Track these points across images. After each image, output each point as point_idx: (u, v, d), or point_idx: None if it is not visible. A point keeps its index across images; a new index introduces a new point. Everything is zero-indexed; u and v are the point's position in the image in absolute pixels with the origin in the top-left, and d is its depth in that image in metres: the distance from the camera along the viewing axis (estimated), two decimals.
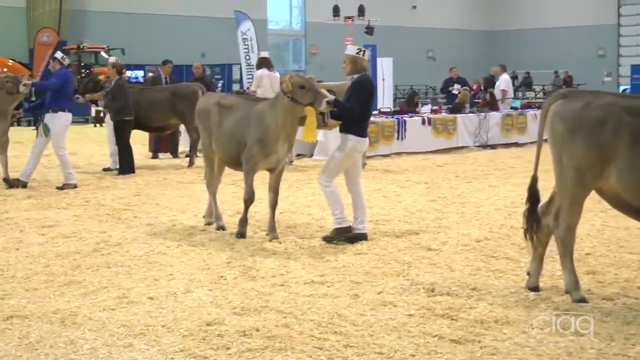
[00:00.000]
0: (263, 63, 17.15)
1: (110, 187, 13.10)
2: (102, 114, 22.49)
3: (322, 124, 8.83)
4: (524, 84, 41.95)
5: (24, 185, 12.88)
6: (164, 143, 18.02)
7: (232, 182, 12.66)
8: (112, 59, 15.86)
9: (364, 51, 8.87)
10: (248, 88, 22.67)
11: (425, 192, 12.68)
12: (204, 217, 9.93)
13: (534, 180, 6.80)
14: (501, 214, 10.55)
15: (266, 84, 16.49)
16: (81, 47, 33.05)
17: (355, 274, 7.43)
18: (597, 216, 9.87)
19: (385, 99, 23.48)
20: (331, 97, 8.48)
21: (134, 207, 11.16)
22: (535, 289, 6.78)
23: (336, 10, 36.48)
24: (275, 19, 43.75)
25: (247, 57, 30.41)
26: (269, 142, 8.81)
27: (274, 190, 9.10)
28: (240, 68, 31.92)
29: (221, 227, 9.48)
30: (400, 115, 19.24)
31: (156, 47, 33.79)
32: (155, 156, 17.71)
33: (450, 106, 21.86)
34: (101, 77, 16.74)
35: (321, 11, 39.23)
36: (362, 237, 8.77)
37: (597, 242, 8.68)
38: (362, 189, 9.14)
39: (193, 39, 36.99)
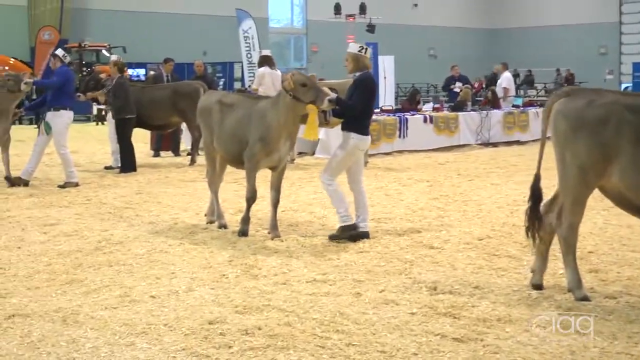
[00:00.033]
0: (265, 61, 17.14)
1: (111, 186, 13.09)
2: (103, 112, 22.50)
3: (324, 122, 8.82)
4: (526, 82, 41.96)
5: (25, 183, 12.88)
6: (165, 141, 18.02)
7: (233, 180, 12.66)
8: (113, 57, 15.90)
9: (366, 49, 8.85)
10: (249, 86, 22.65)
11: (427, 190, 12.67)
12: (205, 215, 9.93)
13: (537, 179, 6.78)
14: (503, 212, 10.54)
15: (268, 82, 16.49)
16: (82, 45, 33.08)
17: (357, 272, 7.42)
18: (599, 214, 9.86)
19: (386, 97, 23.47)
20: (333, 95, 8.47)
21: (136, 205, 11.16)
22: (538, 286, 6.77)
23: (337, 8, 36.44)
24: (276, 17, 43.77)
25: (249, 55, 30.40)
26: (271, 141, 8.79)
27: (276, 189, 9.08)
28: (242, 66, 31.91)
29: (223, 226, 9.46)
30: (402, 113, 19.23)
31: (158, 45, 33.79)
32: (156, 154, 17.71)
33: (452, 104, 21.86)
34: (102, 76, 16.74)
35: (322, 9, 39.22)
36: (364, 235, 8.76)
37: (599, 240, 8.66)
38: (364, 187, 9.12)
39: (194, 37, 37.02)
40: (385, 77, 23.54)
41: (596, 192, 6.58)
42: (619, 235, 8.94)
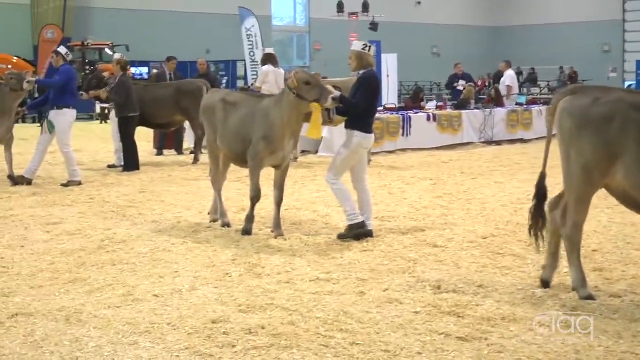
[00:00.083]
0: (268, 59, 17.14)
1: (115, 184, 13.09)
2: (106, 111, 22.49)
3: (328, 120, 8.80)
4: (529, 80, 41.93)
5: (28, 182, 12.87)
6: (168, 140, 18.01)
7: (237, 179, 12.65)
8: (117, 56, 15.86)
9: (370, 47, 8.83)
10: (252, 84, 22.64)
11: (430, 188, 12.65)
12: (209, 214, 9.92)
13: (542, 177, 6.77)
14: (507, 210, 10.52)
15: (272, 80, 16.49)
16: (85, 44, 33.07)
17: (361, 271, 7.40)
18: (603, 213, 9.83)
19: (390, 95, 23.44)
20: (337, 93, 8.45)
21: (139, 204, 11.15)
22: (546, 283, 6.73)
23: (340, 7, 36.46)
24: (279, 16, 43.76)
25: (252, 54, 30.40)
26: (274, 139, 8.78)
27: (279, 187, 9.07)
28: (245, 64, 31.91)
29: (226, 224, 9.45)
30: (406, 112, 19.21)
31: (160, 43, 33.77)
32: (160, 153, 17.70)
33: (456, 102, 21.82)
34: (105, 74, 16.72)
35: (325, 7, 39.22)
36: (368, 234, 8.74)
37: (604, 239, 8.63)
38: (367, 185, 9.11)
39: (197, 35, 37.01)
40: (388, 76, 23.53)
41: (601, 190, 6.56)
42: (624, 233, 8.92)
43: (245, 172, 10.02)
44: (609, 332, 5.65)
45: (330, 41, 40.41)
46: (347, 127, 8.78)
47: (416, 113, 19.26)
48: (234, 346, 5.40)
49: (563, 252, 7.08)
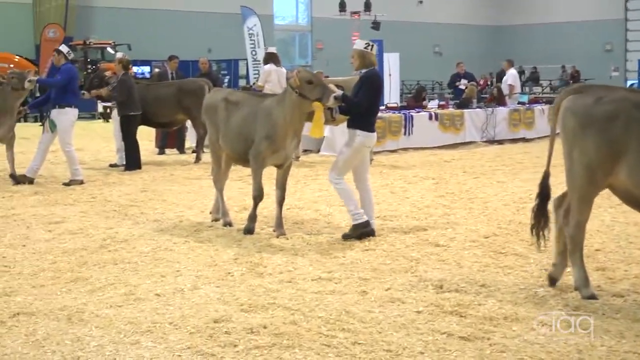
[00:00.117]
0: (270, 58, 17.13)
1: (116, 183, 13.08)
2: (108, 110, 22.49)
3: (331, 119, 8.79)
4: (531, 79, 41.93)
5: (30, 181, 12.87)
6: (170, 139, 18.01)
7: (238, 178, 12.65)
8: (119, 55, 15.85)
9: (372, 46, 8.81)
10: (254, 83, 22.63)
11: (432, 187, 12.64)
12: (210, 213, 9.91)
13: (546, 176, 6.75)
14: (509, 209, 10.50)
15: (274, 79, 16.48)
16: (87, 43, 33.07)
17: (363, 270, 7.39)
18: (606, 212, 9.82)
19: (391, 94, 23.42)
20: (339, 92, 8.44)
21: (141, 203, 11.14)
22: (554, 281, 6.70)
23: (342, 6, 36.44)
24: (281, 14, 43.74)
25: (254, 53, 30.38)
26: (277, 138, 8.77)
27: (281, 187, 9.06)
28: (247, 63, 31.89)
29: (228, 223, 9.45)
30: (407, 111, 19.19)
31: (162, 42, 33.78)
32: (161, 152, 17.69)
33: (458, 101, 21.81)
34: (107, 73, 16.72)
35: (327, 6, 39.19)
36: (370, 233, 8.73)
37: (606, 238, 8.62)
38: (369, 184, 9.10)
39: (199, 34, 37.01)
40: (390, 75, 23.51)
41: (603, 190, 6.54)
42: (627, 233, 8.91)
43: (247, 171, 10.03)
44: (611, 331, 5.64)
45: (332, 40, 40.41)
46: (349, 126, 8.77)
47: (418, 112, 19.24)
48: (235, 345, 5.40)
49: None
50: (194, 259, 7.87)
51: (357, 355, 5.24)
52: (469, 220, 9.77)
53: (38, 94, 22.02)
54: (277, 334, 5.57)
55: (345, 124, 8.91)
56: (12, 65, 27.17)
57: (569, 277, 6.85)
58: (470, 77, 24.80)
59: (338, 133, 15.36)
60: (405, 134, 18.42)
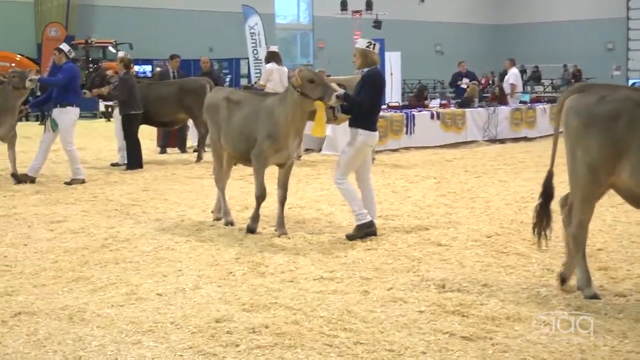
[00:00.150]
0: (272, 57, 17.11)
1: (118, 183, 13.08)
2: (110, 109, 22.49)
3: (333, 118, 8.77)
4: (533, 78, 41.88)
5: (32, 180, 12.87)
6: (172, 138, 18.00)
7: (240, 177, 12.65)
8: (120, 54, 15.84)
9: (374, 45, 8.80)
10: (256, 82, 22.62)
11: (434, 187, 12.62)
12: (212, 212, 9.90)
13: (549, 176, 6.73)
14: (511, 209, 10.49)
15: (276, 78, 16.46)
16: (89, 42, 33.07)
17: (365, 270, 7.38)
18: (608, 211, 9.79)
19: (393, 93, 23.40)
20: (341, 91, 8.42)
21: (142, 202, 11.13)
22: (564, 280, 6.67)
23: (344, 5, 36.44)
24: (283, 13, 43.71)
25: (255, 52, 30.37)
26: (279, 137, 8.75)
27: (283, 186, 9.05)
28: (248, 62, 31.89)
29: (230, 223, 9.43)
30: (409, 110, 19.18)
31: (164, 41, 33.77)
32: (163, 151, 17.69)
33: (459, 100, 21.79)
34: (109, 72, 16.71)
35: (329, 5, 39.18)
36: (372, 232, 8.71)
37: (608, 238, 8.61)
38: (372, 184, 9.09)
39: (201, 33, 37.00)
40: (391, 74, 23.49)
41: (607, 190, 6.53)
42: (629, 232, 8.89)
43: (249, 170, 10.01)
44: (614, 331, 5.63)
45: (333, 39, 40.38)
46: (351, 125, 8.75)
47: (420, 111, 19.23)
48: (237, 345, 5.39)
49: (562, 252, 7.06)
50: (196, 258, 7.86)
51: (359, 355, 5.23)
52: (470, 220, 9.75)
53: (39, 93, 21.99)
54: (278, 334, 5.56)
55: (347, 123, 8.90)
56: (13, 64, 27.18)
57: (572, 277, 6.85)
58: (471, 76, 24.79)
59: (340, 132, 15.35)
60: (407, 133, 18.40)
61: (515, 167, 15.31)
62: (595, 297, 6.37)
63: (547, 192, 6.72)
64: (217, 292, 6.67)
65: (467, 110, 20.15)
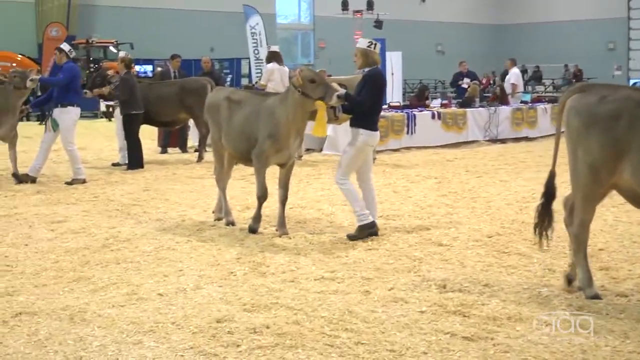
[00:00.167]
0: (273, 57, 17.10)
1: (119, 182, 13.07)
2: (111, 109, 22.48)
3: (334, 118, 8.76)
4: (534, 77, 41.88)
5: (33, 180, 12.86)
6: (173, 138, 17.99)
7: (241, 177, 12.64)
8: (121, 54, 15.84)
9: (375, 44, 8.79)
10: (257, 82, 22.62)
11: (435, 187, 12.61)
12: (213, 212, 9.89)
13: (552, 176, 6.72)
14: (512, 209, 10.48)
15: (277, 78, 16.45)
16: (90, 41, 33.07)
17: (366, 270, 7.37)
18: (609, 211, 9.78)
19: (394, 93, 23.39)
20: (342, 90, 8.41)
21: (143, 202, 11.13)
22: (570, 280, 6.64)
23: (345, 4, 36.43)
24: (283, 13, 43.71)
25: (256, 52, 30.36)
26: (280, 137, 8.74)
27: (284, 186, 9.04)
28: (249, 62, 31.88)
29: (231, 223, 9.43)
30: (410, 110, 19.17)
31: (165, 41, 33.77)
32: (164, 151, 17.68)
33: (460, 100, 21.78)
34: (110, 72, 16.71)
35: (330, 5, 39.16)
36: (373, 233, 8.70)
37: (610, 238, 8.60)
38: (373, 184, 9.08)
39: (202, 33, 37.00)
40: (392, 73, 23.48)
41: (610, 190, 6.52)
42: (630, 232, 8.88)
43: (250, 170, 10.00)
44: (615, 331, 5.62)
45: (334, 39, 40.37)
46: (352, 125, 8.74)
47: (421, 111, 19.21)
48: (238, 345, 5.38)
49: (563, 252, 7.05)
50: (197, 258, 7.86)
51: (360, 355, 5.23)
52: (472, 220, 9.75)
53: (39, 93, 21.99)
54: (280, 334, 5.56)
55: (348, 123, 8.89)
56: (14, 64, 27.18)
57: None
58: (472, 76, 24.78)
59: (341, 132, 15.35)
60: (407, 133, 18.38)
61: (516, 167, 15.29)
62: (596, 297, 6.36)
63: (549, 192, 6.71)
64: (218, 292, 6.66)
65: (468, 110, 20.14)
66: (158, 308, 6.22)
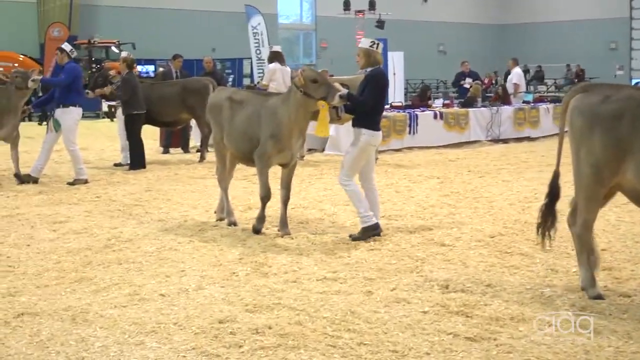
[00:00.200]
0: (275, 57, 17.10)
1: (121, 183, 13.07)
2: (113, 109, 22.49)
3: (336, 118, 8.75)
4: (536, 77, 41.82)
5: (35, 180, 12.86)
6: (175, 138, 17.99)
7: (243, 177, 12.63)
8: (123, 54, 15.84)
9: (378, 44, 8.77)
10: (259, 82, 22.62)
11: (437, 187, 12.60)
12: (215, 212, 9.88)
13: (556, 176, 6.71)
14: (515, 209, 10.46)
15: (279, 78, 16.45)
16: (92, 42, 33.07)
17: (368, 270, 7.36)
18: (611, 211, 9.75)
19: (396, 93, 23.37)
20: (344, 90, 8.40)
21: (145, 202, 11.12)
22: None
23: (347, 4, 36.41)
24: (285, 13, 43.68)
25: (258, 52, 30.36)
26: (282, 138, 8.73)
27: (286, 186, 9.02)
28: (251, 62, 31.88)
29: (233, 223, 9.42)
30: (412, 110, 19.16)
31: (167, 41, 33.75)
32: (166, 151, 17.68)
33: (462, 100, 21.77)
34: (111, 72, 16.71)
35: (331, 5, 39.14)
36: (376, 234, 8.68)
37: (612, 238, 8.58)
38: (375, 184, 9.07)
39: (204, 33, 36.98)
40: (394, 73, 23.44)
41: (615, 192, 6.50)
42: (633, 232, 8.87)
43: (252, 170, 9.98)
44: (618, 332, 5.61)
45: (336, 39, 40.34)
46: (354, 125, 8.73)
47: (423, 111, 19.21)
48: (240, 346, 5.37)
49: (566, 252, 7.03)
50: (199, 258, 7.85)
51: (362, 356, 5.22)
52: (474, 220, 9.73)
53: (41, 94, 21.99)
54: (282, 335, 5.55)
55: (350, 123, 8.88)
56: (16, 65, 27.19)
57: (575, 277, 6.84)
58: (474, 76, 24.76)
59: (343, 132, 15.35)
60: (410, 133, 18.39)
61: (519, 167, 15.28)
62: (599, 297, 6.35)
63: (554, 192, 6.69)
64: (220, 292, 6.65)
65: (470, 110, 20.13)
66: (160, 309, 6.21)
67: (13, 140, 13.07)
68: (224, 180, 9.71)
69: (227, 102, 9.38)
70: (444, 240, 8.55)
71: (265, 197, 8.97)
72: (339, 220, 9.75)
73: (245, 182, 12.49)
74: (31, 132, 19.45)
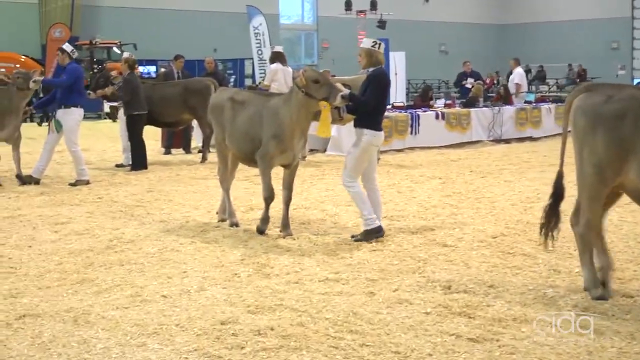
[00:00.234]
0: (277, 57, 17.09)
1: (122, 184, 13.06)
2: (115, 110, 22.48)
3: (338, 119, 8.73)
4: (538, 77, 41.77)
5: (36, 181, 12.85)
6: (176, 139, 17.98)
7: (245, 178, 12.62)
8: (125, 54, 15.83)
9: (380, 44, 8.76)
10: (260, 83, 22.61)
11: (439, 187, 12.59)
12: (217, 213, 9.87)
13: (560, 176, 6.69)
14: (517, 209, 10.44)
15: (280, 78, 16.44)
16: (93, 42, 33.07)
17: (370, 271, 7.35)
18: (613, 211, 9.65)
19: (397, 93, 23.37)
20: (346, 91, 8.39)
21: (147, 203, 11.11)
22: (603, 283, 6.55)
23: (348, 5, 36.41)
24: (287, 14, 43.68)
25: (259, 52, 30.37)
26: (284, 138, 8.72)
27: (288, 187, 9.01)
28: (253, 63, 31.88)
29: (234, 224, 9.41)
30: (414, 110, 19.15)
31: (168, 42, 33.74)
32: (167, 152, 17.67)
33: (464, 100, 21.75)
34: (113, 73, 16.71)
35: (333, 5, 39.14)
36: (379, 236, 8.65)
37: (615, 238, 8.55)
38: (377, 184, 9.05)
39: (205, 33, 36.98)
40: (396, 74, 23.47)
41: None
42: (635, 232, 8.85)
43: (254, 171, 9.97)
44: (621, 332, 5.60)
45: (338, 39, 40.33)
46: (356, 125, 8.71)
47: (424, 111, 19.19)
48: (242, 347, 5.37)
49: (569, 252, 7.01)
50: (201, 260, 7.84)
51: (365, 357, 5.21)
52: (476, 220, 9.72)
53: (42, 95, 21.99)
54: (284, 336, 5.54)
55: (352, 123, 8.86)
56: (18, 65, 27.19)
57: (578, 277, 6.82)
58: (476, 76, 24.74)
59: (344, 133, 15.33)
60: (411, 133, 18.38)
61: (521, 167, 15.27)
62: (602, 298, 6.33)
63: (558, 193, 6.68)
64: (222, 293, 6.64)
65: (472, 110, 20.12)
66: (162, 310, 6.20)
67: (15, 141, 13.06)
68: (225, 180, 9.70)
69: (228, 102, 9.37)
70: (446, 240, 8.54)
71: (269, 197, 8.95)
72: (341, 221, 9.74)
73: (247, 182, 12.49)
74: (33, 133, 19.45)
